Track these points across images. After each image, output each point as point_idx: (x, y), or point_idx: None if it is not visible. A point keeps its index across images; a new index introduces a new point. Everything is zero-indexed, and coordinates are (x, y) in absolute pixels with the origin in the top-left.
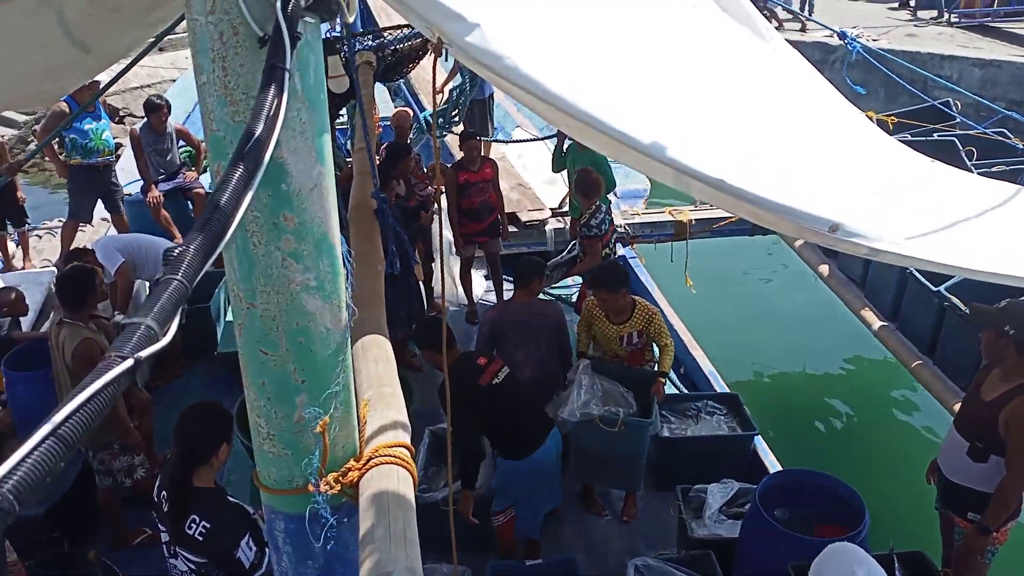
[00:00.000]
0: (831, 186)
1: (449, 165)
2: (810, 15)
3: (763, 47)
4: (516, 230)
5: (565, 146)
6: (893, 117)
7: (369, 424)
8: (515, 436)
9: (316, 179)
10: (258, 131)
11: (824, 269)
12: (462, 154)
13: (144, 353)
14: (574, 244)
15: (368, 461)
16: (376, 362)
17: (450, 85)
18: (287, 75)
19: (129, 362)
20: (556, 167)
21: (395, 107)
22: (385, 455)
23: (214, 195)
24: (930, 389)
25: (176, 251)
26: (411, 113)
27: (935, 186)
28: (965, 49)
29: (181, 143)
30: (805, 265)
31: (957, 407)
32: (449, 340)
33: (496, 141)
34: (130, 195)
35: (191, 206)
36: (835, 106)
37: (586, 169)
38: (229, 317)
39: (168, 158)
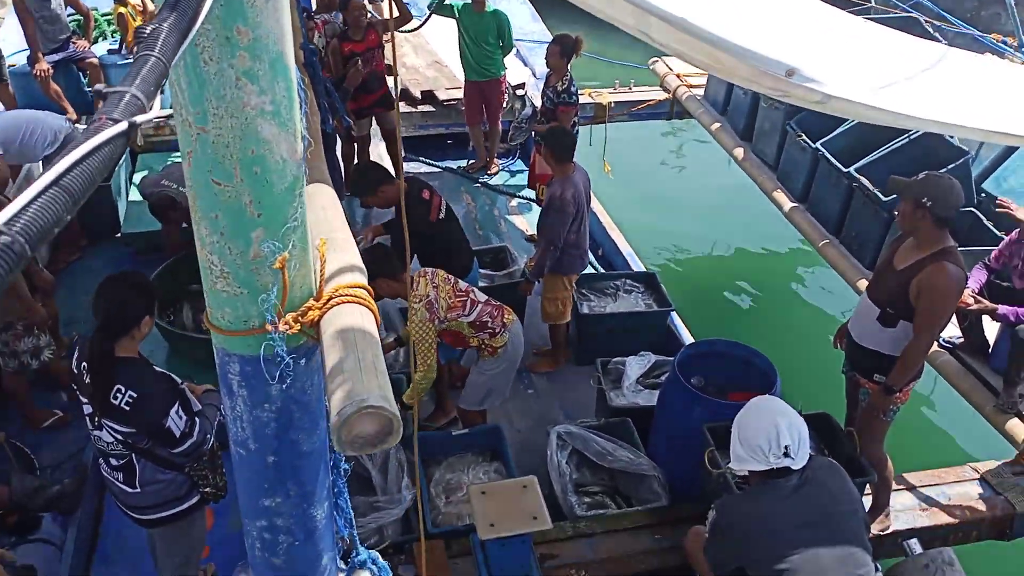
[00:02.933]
0: (788, 35)
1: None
2: None
3: None
4: (434, 109)
5: (453, 1)
6: None
7: (324, 267)
8: (458, 260)
9: None
10: None
11: (739, 152)
12: (343, 21)
13: (139, 119)
14: (524, 99)
15: (329, 300)
16: (324, 209)
17: None
18: None
19: (123, 125)
20: (431, 4)
21: None
22: (346, 294)
23: None
24: (835, 267)
25: (148, 29)
26: None
27: (879, 44)
28: None
29: (69, 10)
30: (721, 149)
31: (860, 283)
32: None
33: (411, 30)
34: (14, 67)
35: (83, 78)
36: None
37: (564, 35)
38: (133, 196)
39: (56, 26)
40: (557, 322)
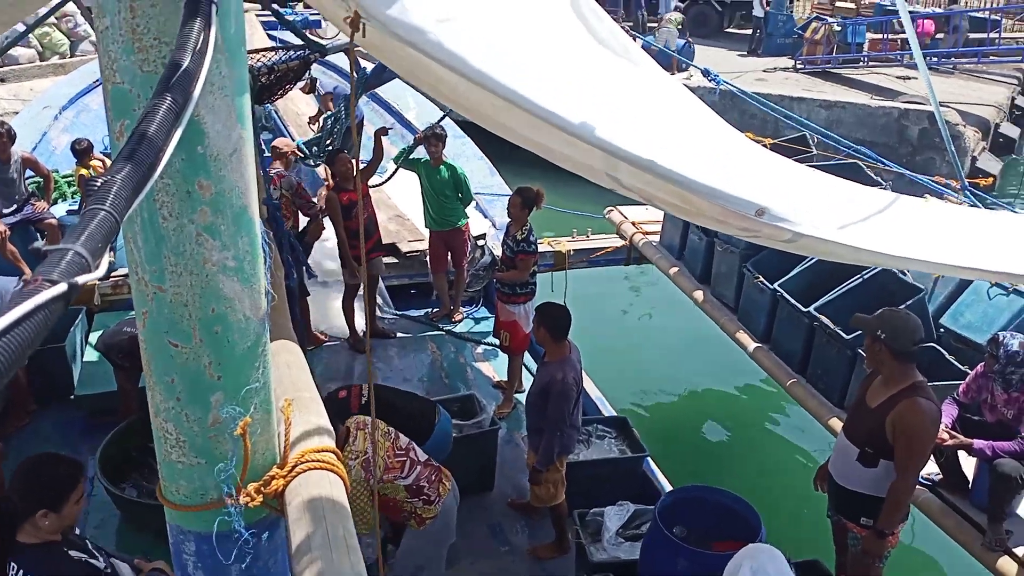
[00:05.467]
0: (753, 177)
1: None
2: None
3: (639, 72)
4: (396, 261)
5: (418, 156)
6: (769, 139)
7: (290, 430)
8: (408, 426)
9: (236, 143)
10: (186, 62)
11: (699, 295)
12: (332, 175)
13: (81, 279)
14: (484, 248)
15: (294, 468)
16: (289, 367)
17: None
18: (214, 7)
19: (62, 287)
20: (397, 158)
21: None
22: (313, 459)
23: (139, 126)
24: (804, 405)
25: (100, 181)
26: (293, 142)
27: (829, 188)
28: (810, 92)
29: (29, 173)
30: (680, 292)
31: (831, 421)
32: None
33: (377, 184)
34: None
35: (41, 238)
36: (720, 122)
37: (526, 187)
38: (88, 356)
39: (13, 188)
40: (549, 504)
